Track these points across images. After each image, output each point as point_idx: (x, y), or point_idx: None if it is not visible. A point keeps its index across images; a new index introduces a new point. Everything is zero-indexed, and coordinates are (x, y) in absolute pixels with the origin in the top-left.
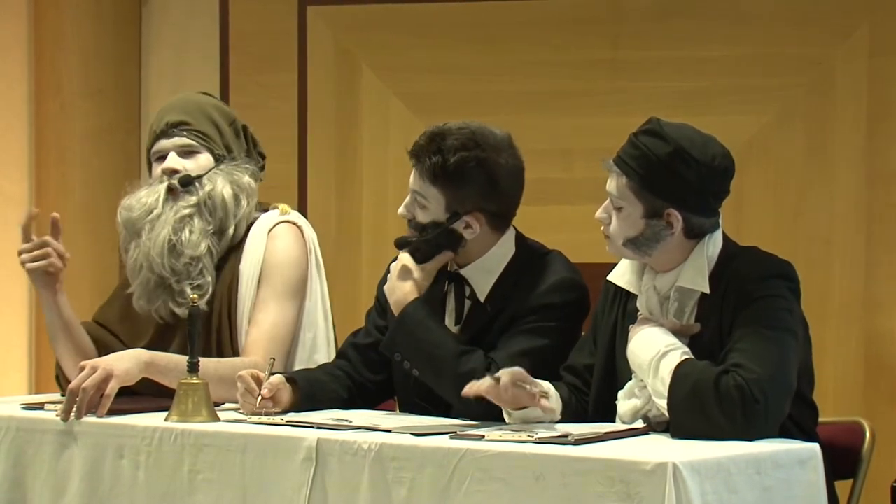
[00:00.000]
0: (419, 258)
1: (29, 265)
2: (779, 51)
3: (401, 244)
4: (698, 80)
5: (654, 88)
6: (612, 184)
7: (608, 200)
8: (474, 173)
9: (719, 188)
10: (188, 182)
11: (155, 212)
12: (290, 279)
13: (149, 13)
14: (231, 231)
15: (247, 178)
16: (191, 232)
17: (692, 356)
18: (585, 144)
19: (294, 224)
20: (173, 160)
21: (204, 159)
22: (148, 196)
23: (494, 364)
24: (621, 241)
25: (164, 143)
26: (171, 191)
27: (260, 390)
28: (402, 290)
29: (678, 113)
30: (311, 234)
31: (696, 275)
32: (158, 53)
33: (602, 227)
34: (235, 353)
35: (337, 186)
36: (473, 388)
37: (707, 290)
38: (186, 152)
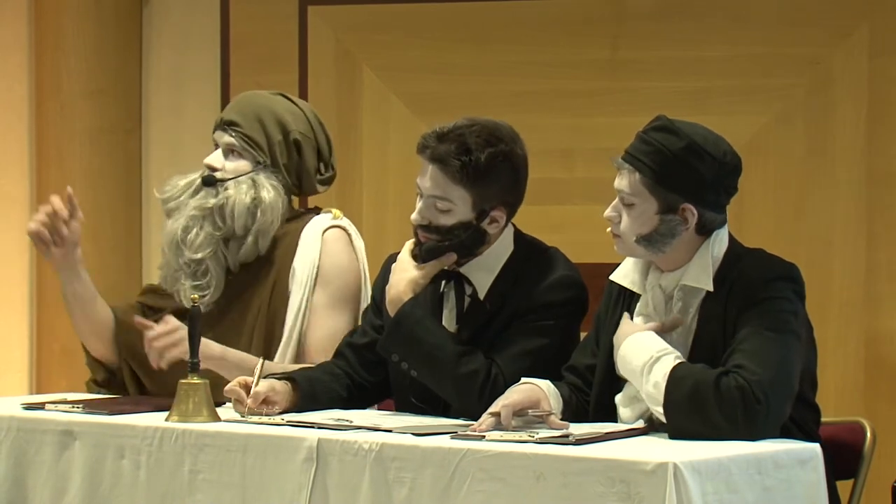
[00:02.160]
0: (427, 259)
1: (29, 225)
2: (779, 51)
3: (430, 251)
4: (698, 81)
5: (654, 89)
6: (624, 181)
7: (616, 199)
8: (501, 168)
9: (730, 184)
10: (211, 182)
11: (181, 199)
12: (348, 286)
13: (149, 13)
14: (250, 241)
15: (272, 195)
16: (198, 234)
17: (685, 360)
18: (586, 144)
19: (345, 231)
20: (215, 157)
21: (243, 165)
22: (182, 181)
23: (496, 364)
24: (634, 238)
25: (217, 136)
26: (200, 185)
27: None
28: (397, 290)
29: (679, 113)
30: (359, 242)
31: (700, 273)
32: (159, 54)
33: (610, 227)
34: (274, 350)
35: (337, 186)
36: (481, 427)
37: (710, 288)
38: (231, 151)
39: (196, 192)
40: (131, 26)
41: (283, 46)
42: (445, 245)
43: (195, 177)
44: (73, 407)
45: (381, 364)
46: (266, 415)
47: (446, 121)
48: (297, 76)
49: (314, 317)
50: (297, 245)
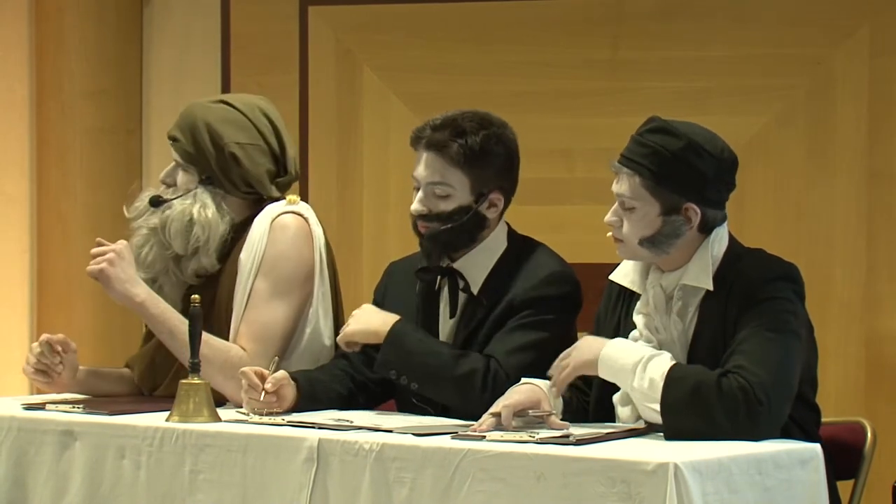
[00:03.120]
0: (442, 250)
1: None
2: (779, 51)
3: (433, 237)
4: (699, 81)
5: (654, 89)
6: (624, 185)
7: (616, 204)
8: (496, 150)
9: (730, 179)
10: (156, 203)
11: (138, 221)
12: (290, 275)
13: (150, 14)
14: (193, 260)
15: (208, 211)
16: (147, 253)
17: (679, 362)
18: (586, 145)
19: (299, 215)
20: (165, 172)
21: (187, 178)
22: (142, 202)
23: (494, 360)
24: (637, 240)
25: (171, 150)
26: (150, 204)
27: (263, 386)
28: (379, 317)
29: (679, 113)
30: (317, 227)
31: (700, 273)
32: (160, 54)
33: (611, 232)
34: None
35: (338, 186)
36: (482, 428)
37: (710, 287)
38: (178, 166)
39: (147, 211)
40: (132, 27)
41: (283, 47)
42: (447, 229)
43: (151, 194)
44: (74, 407)
45: None
46: (268, 414)
47: (434, 117)
48: (297, 76)
49: (250, 304)
50: (247, 236)
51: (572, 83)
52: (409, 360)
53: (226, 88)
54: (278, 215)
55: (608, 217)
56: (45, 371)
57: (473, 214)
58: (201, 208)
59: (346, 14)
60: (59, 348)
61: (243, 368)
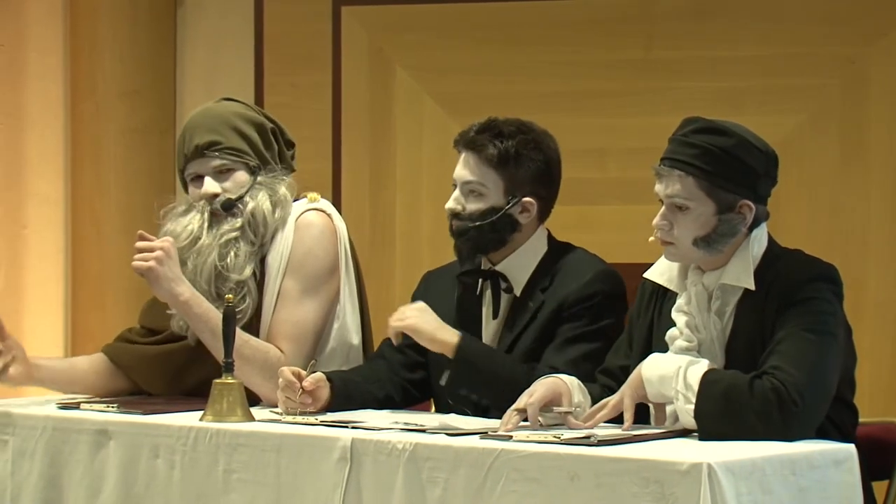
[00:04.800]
0: (472, 247)
1: None
2: (813, 50)
3: (461, 233)
4: (732, 80)
5: (687, 88)
6: (674, 186)
7: (664, 207)
8: (532, 156)
9: (776, 174)
10: (230, 206)
11: (200, 241)
12: (317, 272)
13: (184, 14)
14: (270, 239)
15: (283, 190)
16: (236, 255)
17: (717, 367)
18: (619, 144)
19: (322, 212)
20: (210, 184)
21: (241, 176)
22: (191, 222)
23: (555, 371)
24: (691, 241)
25: (197, 167)
26: (214, 215)
27: (300, 384)
28: (442, 334)
29: (712, 113)
30: (340, 223)
31: (741, 272)
32: (193, 54)
33: (658, 235)
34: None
35: (371, 186)
36: (508, 426)
37: (752, 287)
38: (222, 172)
39: (214, 223)
40: (166, 27)
41: (316, 46)
42: (475, 227)
43: (201, 212)
44: (108, 406)
45: (421, 363)
46: (302, 413)
47: (480, 120)
48: (330, 76)
49: (281, 304)
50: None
51: (605, 83)
52: (479, 379)
53: (259, 88)
54: (301, 214)
55: (657, 220)
56: None
57: (504, 216)
58: (276, 188)
59: (378, 14)
60: None
61: (282, 368)
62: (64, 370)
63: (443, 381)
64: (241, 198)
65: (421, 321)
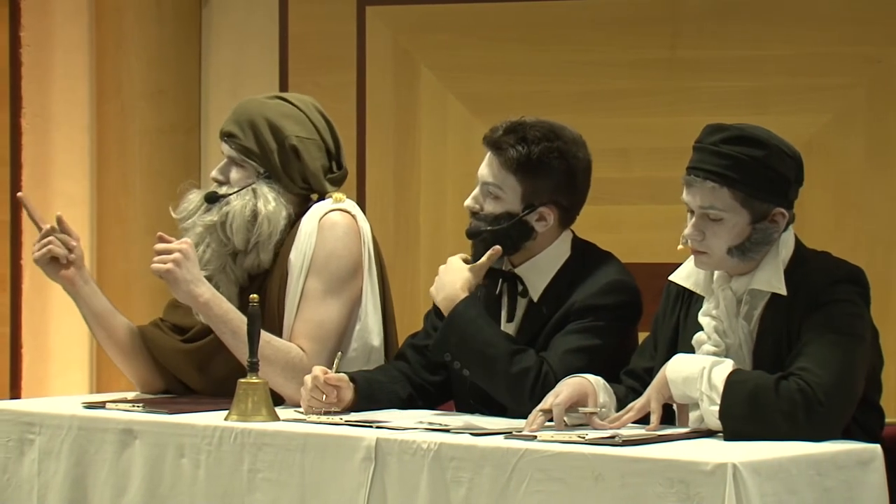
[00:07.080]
0: (485, 249)
1: (34, 255)
2: (838, 50)
3: (473, 233)
4: (757, 80)
5: (712, 88)
6: (707, 197)
7: (695, 217)
8: (555, 165)
9: (803, 178)
10: (214, 199)
11: (189, 220)
12: (340, 273)
13: (209, 14)
14: (251, 255)
15: (272, 205)
16: (205, 250)
17: (741, 368)
18: (643, 144)
19: (347, 212)
20: (218, 170)
21: (243, 174)
22: (191, 202)
23: (546, 363)
24: (725, 250)
25: (223, 147)
26: (206, 200)
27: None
28: (452, 288)
29: (737, 113)
30: (364, 224)
31: (771, 277)
32: (218, 54)
33: (689, 244)
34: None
35: (395, 186)
36: (533, 426)
37: (784, 292)
38: (235, 163)
39: (202, 209)
40: (191, 27)
41: (340, 46)
42: (487, 230)
43: (198, 193)
44: (134, 406)
45: (443, 365)
46: (326, 413)
47: (511, 118)
48: (354, 76)
49: (304, 303)
50: (296, 235)
51: (629, 83)
52: (466, 347)
53: (283, 88)
54: (325, 213)
55: (689, 231)
56: (57, 257)
57: (518, 223)
58: (264, 203)
59: (403, 14)
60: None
61: (314, 367)
62: (103, 312)
63: (466, 372)
64: (225, 196)
65: (439, 288)
